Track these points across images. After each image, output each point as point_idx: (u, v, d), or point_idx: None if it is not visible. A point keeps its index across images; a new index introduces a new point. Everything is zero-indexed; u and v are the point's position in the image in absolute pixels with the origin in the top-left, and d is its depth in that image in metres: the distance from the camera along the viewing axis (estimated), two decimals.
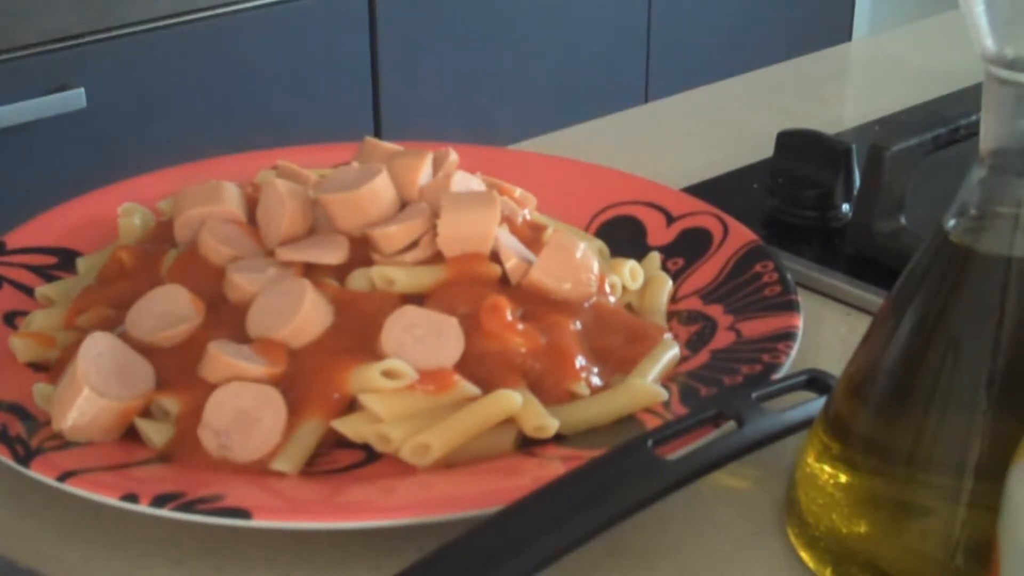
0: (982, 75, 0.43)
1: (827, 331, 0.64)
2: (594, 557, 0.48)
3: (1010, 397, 0.44)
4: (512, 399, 0.53)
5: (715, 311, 0.62)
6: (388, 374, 0.53)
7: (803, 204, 0.72)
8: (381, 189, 0.60)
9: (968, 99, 0.58)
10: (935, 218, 0.46)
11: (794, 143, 0.73)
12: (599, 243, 0.67)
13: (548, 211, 0.68)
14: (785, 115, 0.81)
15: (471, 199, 0.60)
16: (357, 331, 0.55)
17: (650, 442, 0.48)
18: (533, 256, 0.59)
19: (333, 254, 0.59)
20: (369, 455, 0.53)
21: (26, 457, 0.50)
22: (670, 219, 0.69)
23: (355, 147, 0.69)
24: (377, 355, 0.54)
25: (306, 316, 0.55)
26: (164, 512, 0.47)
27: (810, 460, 0.48)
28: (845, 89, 0.98)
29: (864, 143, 0.71)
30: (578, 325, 0.58)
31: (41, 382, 0.55)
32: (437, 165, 0.64)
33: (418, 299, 0.57)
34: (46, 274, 0.64)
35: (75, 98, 1.48)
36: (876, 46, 1.09)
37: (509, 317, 0.56)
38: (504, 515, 0.45)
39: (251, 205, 0.62)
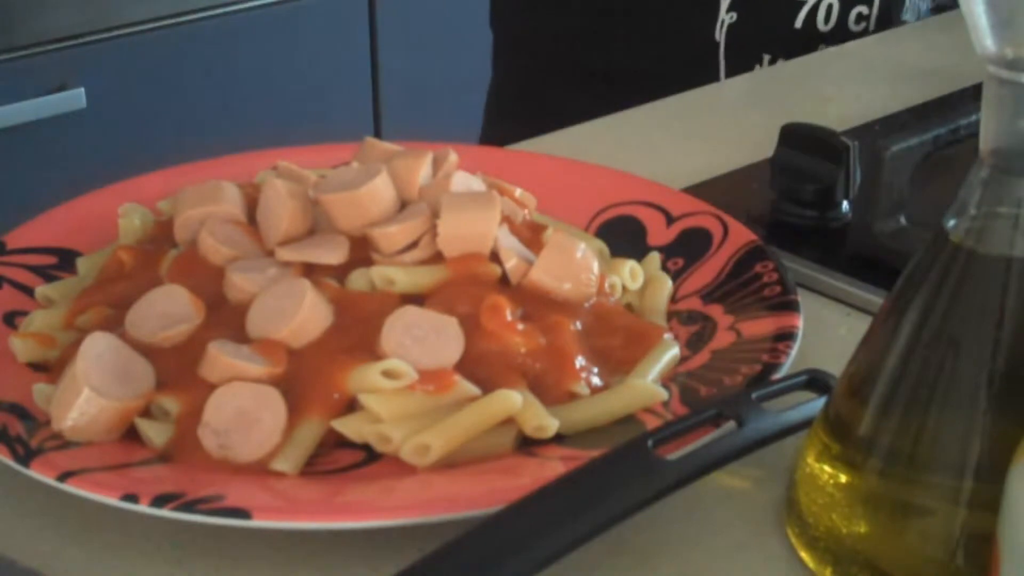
0: (982, 75, 0.43)
1: (827, 331, 0.64)
2: (594, 557, 0.48)
3: (1010, 397, 0.44)
4: (512, 399, 0.53)
5: (715, 311, 0.62)
6: (388, 374, 0.53)
7: (803, 199, 0.72)
8: (381, 189, 0.60)
9: (968, 99, 0.58)
10: (935, 218, 0.46)
11: (797, 137, 0.73)
12: (599, 243, 0.67)
13: (548, 211, 0.68)
14: (786, 115, 0.81)
15: (471, 199, 0.60)
16: (357, 331, 0.55)
17: (650, 442, 0.48)
18: (533, 256, 0.59)
19: (333, 254, 0.59)
20: (369, 455, 0.52)
21: (26, 457, 0.50)
22: (670, 219, 0.69)
23: (355, 147, 0.69)
24: (377, 355, 0.54)
25: (306, 316, 0.55)
26: (164, 512, 0.47)
27: (810, 460, 0.48)
28: (845, 89, 0.98)
29: (864, 143, 0.71)
30: (578, 325, 0.58)
31: (41, 382, 0.55)
32: (437, 165, 0.64)
33: (418, 299, 0.57)
34: (46, 274, 0.64)
35: (75, 98, 1.48)
36: (876, 46, 1.08)
37: (509, 317, 0.56)
38: (504, 515, 0.45)
39: (251, 205, 0.62)
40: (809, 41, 1.07)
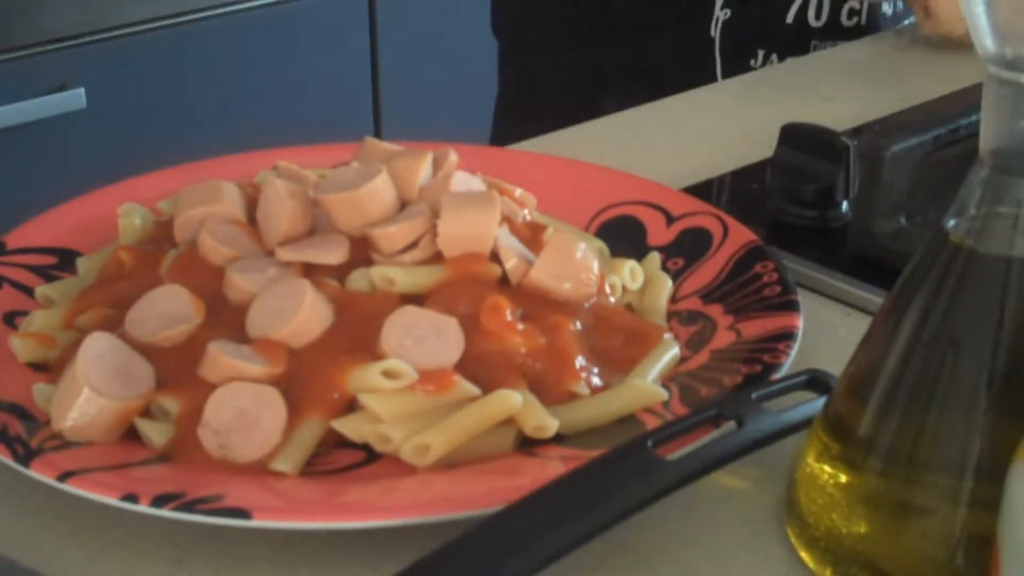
0: (982, 75, 0.43)
1: (827, 331, 0.64)
2: (594, 557, 0.48)
3: (1010, 397, 0.44)
4: (512, 399, 0.53)
5: (715, 311, 0.62)
6: (388, 374, 0.53)
7: (803, 199, 0.72)
8: (381, 189, 0.60)
9: (968, 99, 0.58)
10: (935, 218, 0.46)
11: (797, 137, 0.73)
12: (599, 243, 0.67)
13: (548, 211, 0.68)
14: (785, 115, 0.81)
15: (471, 199, 0.60)
16: (357, 331, 0.55)
17: (650, 442, 0.48)
18: (533, 256, 0.59)
19: (333, 254, 0.59)
20: (369, 455, 0.53)
21: (26, 457, 0.50)
22: (670, 219, 0.69)
23: (355, 147, 0.69)
24: (377, 355, 0.54)
25: (306, 316, 0.55)
26: (164, 512, 0.47)
27: (810, 460, 0.48)
28: (845, 89, 0.98)
29: (864, 143, 0.71)
30: (578, 325, 0.58)
31: (41, 382, 0.55)
32: (437, 165, 0.64)
33: (418, 299, 0.57)
34: (46, 274, 0.64)
35: (75, 98, 1.48)
36: (876, 46, 1.08)
37: (509, 317, 0.56)
38: (504, 515, 0.45)
39: (251, 205, 0.62)
40: (801, 36, 1.08)
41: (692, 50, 1.07)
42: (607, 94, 1.00)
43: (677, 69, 1.04)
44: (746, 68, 1.07)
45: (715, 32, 1.06)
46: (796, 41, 1.08)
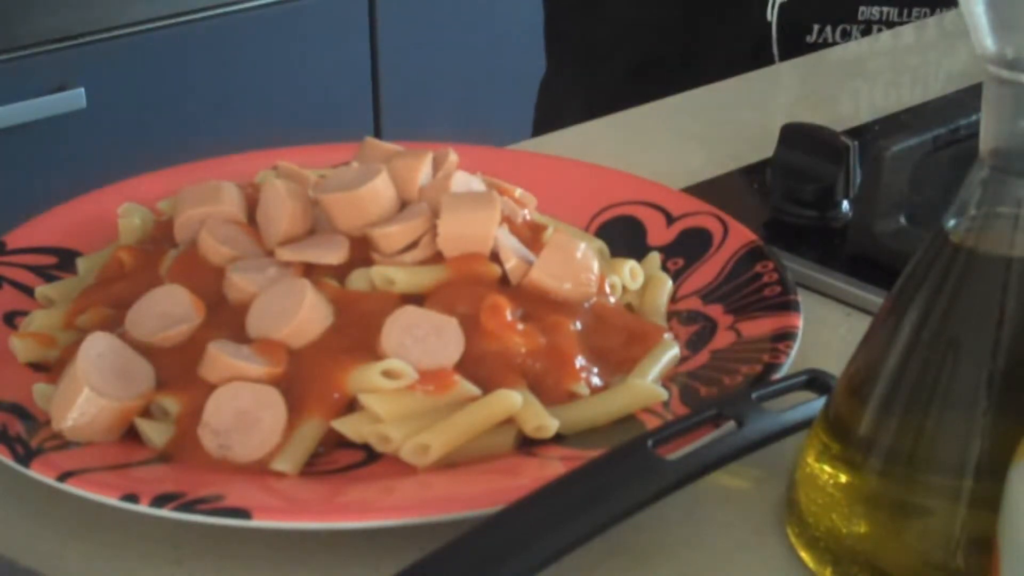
0: (982, 75, 0.43)
1: (827, 331, 0.64)
2: (594, 557, 0.48)
3: (1010, 397, 0.44)
4: (512, 399, 0.53)
5: (715, 311, 0.62)
6: (388, 374, 0.53)
7: (803, 199, 0.72)
8: (381, 189, 0.60)
9: (968, 99, 0.58)
10: (935, 218, 0.46)
11: (797, 137, 0.73)
12: (599, 243, 0.67)
13: (548, 211, 0.68)
14: (786, 115, 0.81)
15: (471, 199, 0.60)
16: (357, 331, 0.55)
17: (650, 442, 0.48)
18: (533, 256, 0.59)
19: (333, 254, 0.59)
20: (369, 455, 0.53)
21: (26, 457, 0.50)
22: (670, 219, 0.69)
23: (355, 147, 0.69)
24: (377, 355, 0.54)
25: (306, 316, 0.55)
26: (164, 512, 0.47)
27: (810, 460, 0.48)
28: (845, 89, 0.98)
29: (864, 143, 0.71)
30: (578, 325, 0.58)
31: (41, 382, 0.55)
32: (437, 165, 0.64)
33: (418, 299, 0.57)
34: (46, 274, 0.64)
35: (75, 98, 1.48)
36: (876, 46, 1.08)
37: (509, 317, 0.56)
38: (504, 515, 0.45)
39: (251, 205, 0.62)
40: (849, 4, 1.09)
41: (747, 35, 1.08)
42: (660, 84, 0.99)
43: (733, 56, 1.04)
44: (802, 45, 1.08)
45: (772, 16, 1.06)
46: (845, 10, 1.09)
